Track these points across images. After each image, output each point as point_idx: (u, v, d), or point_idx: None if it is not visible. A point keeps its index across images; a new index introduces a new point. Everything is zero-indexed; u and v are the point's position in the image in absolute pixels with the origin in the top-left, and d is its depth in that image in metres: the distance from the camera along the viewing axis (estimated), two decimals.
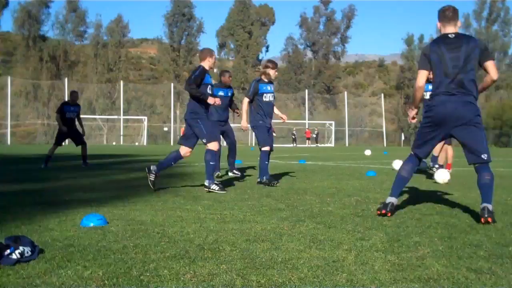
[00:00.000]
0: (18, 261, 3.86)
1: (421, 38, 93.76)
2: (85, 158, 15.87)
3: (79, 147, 15.81)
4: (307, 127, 72.99)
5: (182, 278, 3.53)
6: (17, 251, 3.90)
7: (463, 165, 16.85)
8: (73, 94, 16.18)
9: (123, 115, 68.02)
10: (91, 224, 5.41)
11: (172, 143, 66.78)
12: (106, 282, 3.43)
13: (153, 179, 9.01)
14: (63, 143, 16.04)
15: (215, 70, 9.81)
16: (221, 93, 11.91)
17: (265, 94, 10.39)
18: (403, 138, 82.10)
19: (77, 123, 16.15)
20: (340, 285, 3.41)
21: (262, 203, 7.44)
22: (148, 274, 3.60)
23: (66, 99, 15.82)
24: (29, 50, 79.49)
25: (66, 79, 68.71)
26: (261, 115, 10.40)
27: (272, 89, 10.58)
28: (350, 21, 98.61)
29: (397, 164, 14.99)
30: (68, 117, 15.74)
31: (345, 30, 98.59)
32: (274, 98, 10.64)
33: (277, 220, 5.95)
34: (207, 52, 9.22)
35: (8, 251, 3.88)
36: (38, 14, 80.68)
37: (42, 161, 15.53)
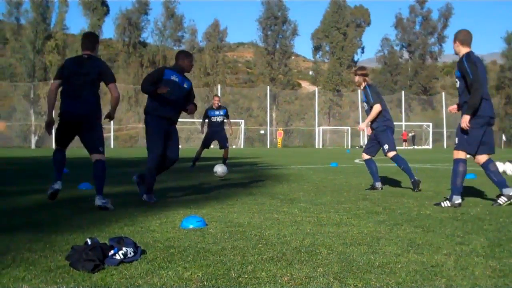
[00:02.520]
0: (121, 261, 4.01)
1: None
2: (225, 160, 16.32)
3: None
4: (403, 129, 71.77)
5: (279, 281, 3.56)
6: (120, 252, 4.04)
7: None
8: (215, 98, 16.70)
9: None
10: (191, 226, 5.54)
11: (268, 146, 67.13)
12: (205, 283, 3.51)
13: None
14: (211, 146, 16.71)
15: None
16: None
17: None
18: (504, 139, 79.43)
19: (226, 127, 16.83)
20: None
21: (358, 206, 7.40)
22: (246, 276, 3.66)
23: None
24: (130, 56, 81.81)
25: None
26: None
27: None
28: (447, 20, 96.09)
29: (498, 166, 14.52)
30: (214, 121, 16.32)
31: (442, 29, 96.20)
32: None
33: (374, 223, 5.90)
34: None
35: (112, 251, 4.04)
36: (138, 21, 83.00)
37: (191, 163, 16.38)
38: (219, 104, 16.43)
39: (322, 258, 4.19)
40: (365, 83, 10.06)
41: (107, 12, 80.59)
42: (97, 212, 6.77)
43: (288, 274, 3.71)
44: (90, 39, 7.64)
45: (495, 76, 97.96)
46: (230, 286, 3.46)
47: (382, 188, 9.99)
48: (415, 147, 68.93)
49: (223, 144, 16.31)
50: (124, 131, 74.95)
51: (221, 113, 16.33)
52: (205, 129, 16.57)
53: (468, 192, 9.39)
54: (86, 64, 7.40)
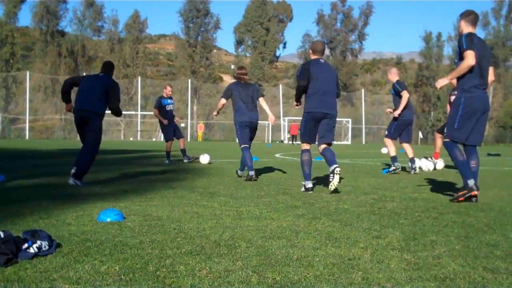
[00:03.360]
0: (35, 255, 3.89)
1: (438, 36, 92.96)
2: (184, 152, 16.52)
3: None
4: None
5: (198, 274, 3.54)
6: (34, 245, 3.93)
7: (481, 164, 16.77)
8: (168, 88, 16.69)
9: (141, 110, 67.97)
10: (108, 219, 5.44)
11: (189, 139, 66.87)
12: (122, 277, 3.45)
13: None
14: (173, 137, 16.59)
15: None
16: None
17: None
18: (420, 136, 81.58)
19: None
20: (355, 283, 3.41)
21: (278, 200, 7.45)
22: (164, 270, 3.62)
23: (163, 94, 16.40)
24: (47, 45, 79.81)
25: (84, 74, 69.04)
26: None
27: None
28: (368, 18, 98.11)
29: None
30: (168, 109, 16.34)
31: (363, 27, 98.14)
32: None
33: (293, 217, 5.95)
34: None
35: (26, 245, 3.92)
36: (56, 9, 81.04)
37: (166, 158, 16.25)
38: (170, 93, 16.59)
39: (241, 252, 4.19)
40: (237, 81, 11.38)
41: (23, 0, 78.43)
42: (11, 204, 6.57)
43: (207, 268, 3.70)
44: None
45: (413, 74, 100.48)
46: (148, 279, 3.41)
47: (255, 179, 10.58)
48: (334, 142, 69.99)
49: (179, 135, 16.42)
50: (40, 122, 73.14)
51: (172, 101, 16.49)
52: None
53: (386, 187, 9.60)
54: None
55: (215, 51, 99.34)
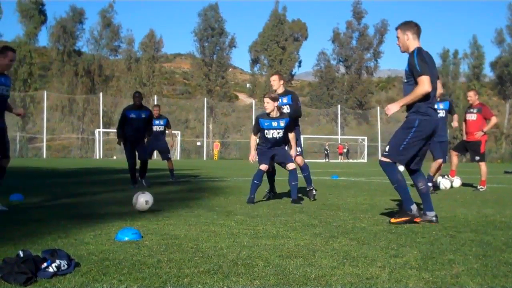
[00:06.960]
0: (54, 274, 3.92)
1: (455, 53, 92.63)
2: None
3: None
4: (339, 142, 72.69)
5: None
6: (53, 265, 3.96)
7: (498, 182, 16.66)
8: (154, 108, 16.47)
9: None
10: (126, 238, 5.47)
11: (205, 158, 66.94)
12: None
13: None
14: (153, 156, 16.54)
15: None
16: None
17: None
18: None
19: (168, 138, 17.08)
20: None
21: (295, 219, 7.44)
22: None
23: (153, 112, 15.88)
24: (64, 65, 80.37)
25: (101, 94, 69.47)
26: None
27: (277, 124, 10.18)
28: (383, 36, 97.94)
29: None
30: (154, 130, 15.55)
31: (378, 45, 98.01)
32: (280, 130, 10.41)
33: (310, 236, 5.94)
34: None
35: (45, 264, 3.94)
36: (73, 29, 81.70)
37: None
38: (159, 113, 16.33)
39: (258, 271, 4.19)
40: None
41: (44, 21, 79.24)
42: (29, 224, 6.62)
43: (225, 287, 3.70)
44: None
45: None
46: None
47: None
48: (349, 160, 69.81)
49: (164, 156, 16.08)
50: (57, 141, 73.58)
51: (161, 122, 16.18)
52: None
53: (401, 205, 9.55)
54: None
55: (230, 69, 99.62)
